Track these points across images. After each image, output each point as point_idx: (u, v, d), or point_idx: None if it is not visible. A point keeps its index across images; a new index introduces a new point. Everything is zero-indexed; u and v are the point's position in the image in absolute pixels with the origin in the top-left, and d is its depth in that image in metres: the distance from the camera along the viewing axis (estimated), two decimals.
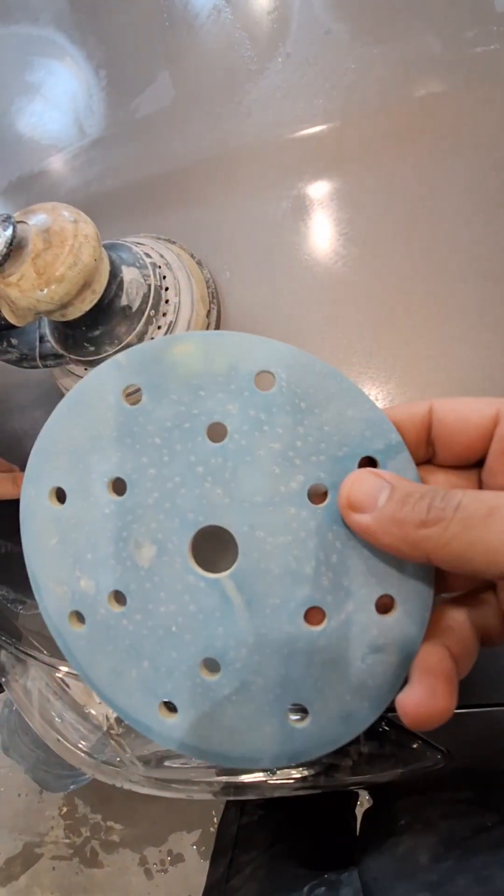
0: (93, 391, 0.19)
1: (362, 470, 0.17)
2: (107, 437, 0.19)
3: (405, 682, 0.17)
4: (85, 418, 0.19)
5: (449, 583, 0.19)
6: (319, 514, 0.18)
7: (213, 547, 0.20)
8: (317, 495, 0.18)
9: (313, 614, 0.18)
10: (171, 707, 0.19)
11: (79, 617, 0.20)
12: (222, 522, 0.18)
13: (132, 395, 0.19)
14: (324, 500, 0.18)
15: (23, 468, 0.38)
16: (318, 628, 0.18)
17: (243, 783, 0.35)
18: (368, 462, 0.18)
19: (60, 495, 0.20)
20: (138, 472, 0.19)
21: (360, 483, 0.17)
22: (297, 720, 0.18)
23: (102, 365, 0.19)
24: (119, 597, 0.19)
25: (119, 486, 0.19)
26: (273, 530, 0.18)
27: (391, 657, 0.17)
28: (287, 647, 0.18)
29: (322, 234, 0.33)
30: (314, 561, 0.18)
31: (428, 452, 0.18)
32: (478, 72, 0.33)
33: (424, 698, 0.16)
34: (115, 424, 0.19)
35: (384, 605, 0.18)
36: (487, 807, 0.37)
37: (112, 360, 0.19)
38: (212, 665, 0.19)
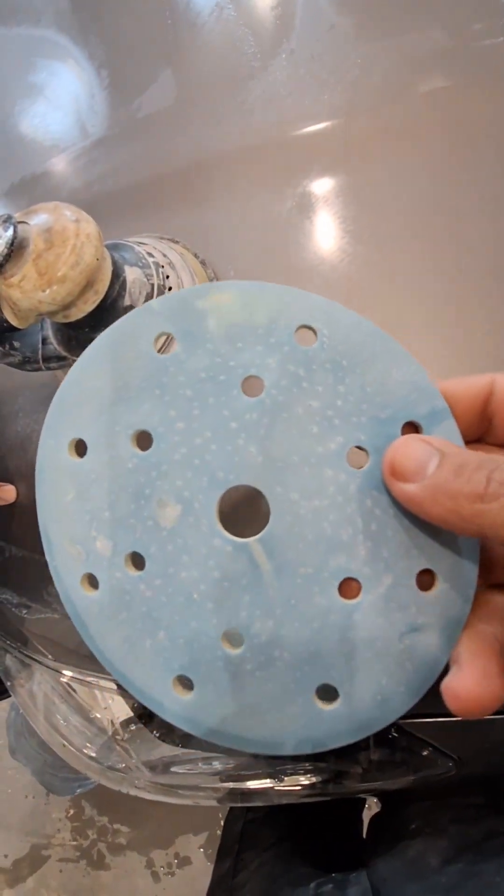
0: (122, 338, 0.18)
1: (409, 436, 0.16)
2: (134, 386, 0.18)
3: (446, 667, 0.16)
4: (112, 366, 0.18)
5: (495, 573, 0.17)
6: (358, 478, 0.17)
7: (240, 510, 0.19)
8: (356, 458, 0.17)
9: (348, 586, 0.17)
10: (186, 683, 0.18)
11: (92, 580, 0.18)
12: (254, 482, 0.17)
13: (164, 343, 0.18)
14: (363, 463, 0.17)
15: (29, 473, 0.38)
16: (353, 602, 0.17)
17: (250, 790, 0.35)
18: (411, 428, 0.17)
19: (80, 448, 0.18)
20: (166, 426, 0.18)
21: (407, 449, 0.15)
22: (325, 702, 0.17)
23: (134, 311, 0.18)
24: (137, 559, 0.18)
25: (144, 440, 0.18)
26: (308, 493, 0.17)
27: (432, 638, 0.16)
28: (318, 620, 0.17)
29: (328, 231, 0.32)
30: (351, 528, 0.17)
31: (480, 429, 0.17)
32: (485, 65, 0.32)
33: (477, 682, 0.14)
34: (143, 374, 0.18)
35: (425, 581, 0.16)
36: (499, 812, 0.36)
37: (145, 306, 0.18)
38: (234, 637, 0.17)
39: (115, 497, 0.18)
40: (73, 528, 0.18)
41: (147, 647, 0.18)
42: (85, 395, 0.18)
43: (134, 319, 0.18)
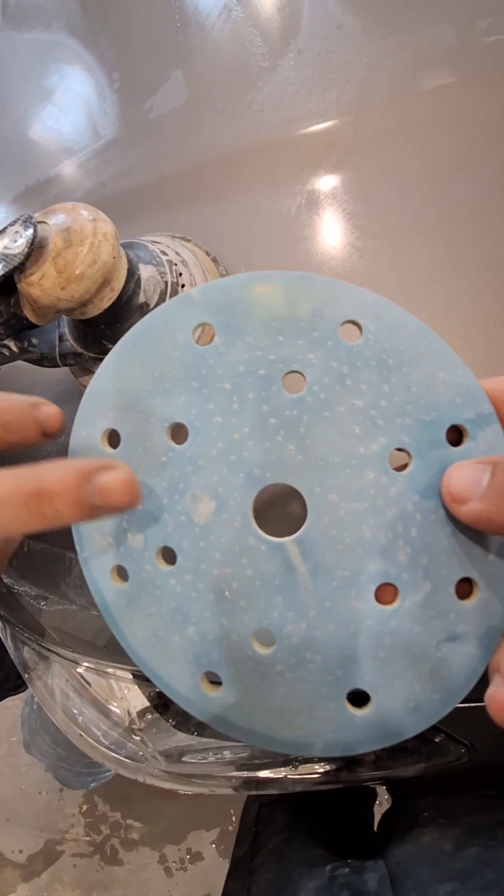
0: (160, 327, 0.18)
1: (456, 464, 0.16)
2: (171, 378, 0.17)
3: (483, 676, 0.16)
4: (149, 356, 0.18)
5: None
6: (400, 482, 0.16)
7: (276, 509, 0.19)
8: (399, 461, 0.16)
9: (386, 592, 0.16)
10: (214, 679, 0.18)
11: (121, 572, 0.18)
12: (292, 482, 0.17)
13: (202, 334, 0.17)
14: (406, 467, 0.16)
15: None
16: (390, 608, 0.16)
17: (264, 778, 0.35)
18: (456, 432, 0.16)
19: (114, 439, 0.18)
20: (203, 420, 0.17)
21: (458, 472, 0.15)
22: (356, 707, 0.17)
23: (173, 299, 0.18)
24: (168, 554, 0.18)
25: (180, 433, 0.18)
26: (348, 495, 0.16)
27: (469, 647, 0.16)
28: (353, 625, 0.16)
29: (337, 227, 0.33)
30: (391, 533, 0.16)
31: None
32: (492, 62, 0.32)
33: None
34: (181, 365, 0.17)
35: (463, 590, 0.16)
36: None
37: (184, 295, 0.17)
38: (266, 637, 0.17)
39: (148, 490, 0.18)
40: (104, 520, 0.18)
41: (175, 641, 0.18)
42: (120, 384, 0.18)
43: (172, 309, 0.18)
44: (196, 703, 0.18)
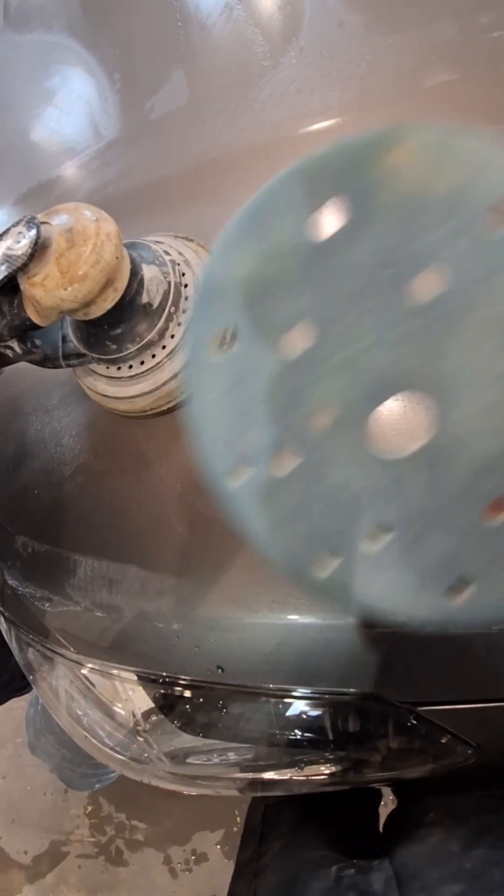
0: (272, 211, 0.16)
1: None
2: (287, 277, 0.16)
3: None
4: (261, 248, 0.16)
5: None
6: None
7: (395, 421, 0.17)
8: None
9: (499, 505, 0.16)
10: (327, 564, 0.18)
11: (238, 472, 0.18)
12: (415, 397, 0.16)
13: (318, 221, 0.16)
14: None
15: (50, 469, 0.39)
16: (501, 518, 0.16)
17: (269, 779, 0.35)
18: None
19: (228, 343, 0.17)
20: (324, 325, 0.16)
21: None
22: (456, 595, 0.17)
23: (283, 174, 0.16)
24: (285, 460, 0.17)
25: (298, 339, 0.16)
26: (474, 414, 0.15)
27: None
28: (462, 531, 0.16)
29: None
30: None
31: None
32: (494, 57, 0.32)
33: None
34: (298, 260, 0.16)
35: None
36: None
37: (296, 170, 0.15)
38: (378, 536, 0.17)
39: (263, 398, 0.17)
40: (221, 424, 0.17)
41: (291, 533, 0.17)
42: (230, 284, 0.16)
43: (285, 185, 0.16)
44: (308, 582, 0.18)
